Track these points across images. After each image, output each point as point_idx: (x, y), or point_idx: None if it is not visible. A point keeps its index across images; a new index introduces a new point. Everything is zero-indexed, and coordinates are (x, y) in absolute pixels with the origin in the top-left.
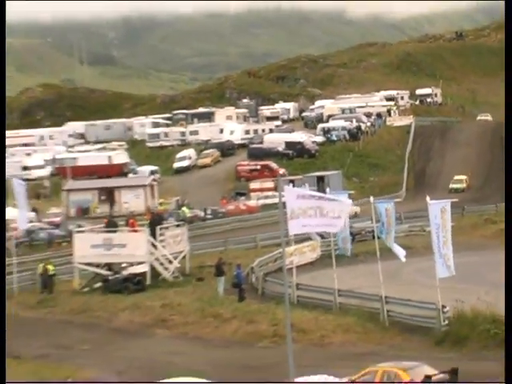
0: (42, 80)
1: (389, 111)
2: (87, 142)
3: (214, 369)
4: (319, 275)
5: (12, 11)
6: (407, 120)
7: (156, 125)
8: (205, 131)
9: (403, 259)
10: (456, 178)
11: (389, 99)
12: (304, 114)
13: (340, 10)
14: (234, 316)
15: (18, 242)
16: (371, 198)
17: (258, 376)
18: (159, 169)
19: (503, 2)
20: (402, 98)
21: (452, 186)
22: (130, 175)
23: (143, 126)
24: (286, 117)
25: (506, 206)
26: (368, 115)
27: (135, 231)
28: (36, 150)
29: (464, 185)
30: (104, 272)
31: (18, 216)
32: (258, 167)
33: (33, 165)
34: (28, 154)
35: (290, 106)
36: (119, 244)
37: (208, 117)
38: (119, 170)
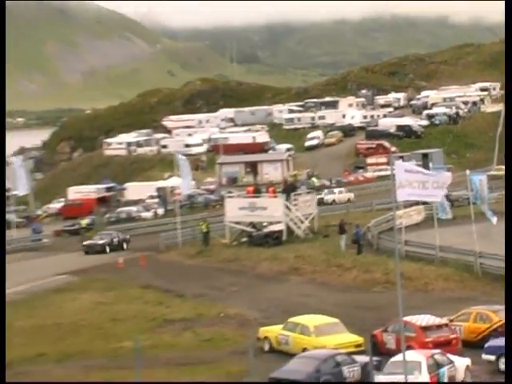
0: (200, 75)
1: (482, 100)
2: (236, 125)
3: (337, 308)
4: (423, 234)
5: (177, 19)
6: (498, 107)
7: (291, 111)
8: (330, 116)
9: (494, 222)
10: None
11: (483, 90)
12: (412, 103)
13: (444, 16)
14: (353, 266)
15: (181, 205)
16: (467, 171)
17: (372, 314)
18: (293, 147)
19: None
20: (494, 88)
21: None
22: (270, 151)
23: (281, 112)
24: (396, 104)
25: (505, 205)
26: (465, 103)
27: (274, 197)
28: (196, 131)
29: None
30: (249, 229)
31: (182, 184)
32: (374, 146)
33: (193, 143)
34: (189, 135)
35: (401, 96)
36: (261, 207)
37: (333, 105)
38: (261, 148)
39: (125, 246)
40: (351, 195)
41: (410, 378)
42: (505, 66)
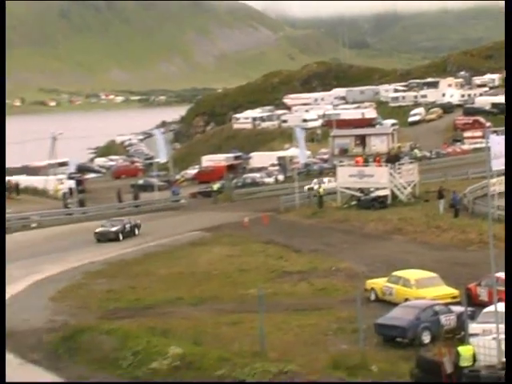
0: (316, 59)
1: None
2: (347, 103)
3: (435, 264)
4: None
5: (297, 10)
6: None
7: (396, 90)
8: (431, 95)
9: None
10: None
11: None
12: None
13: None
14: (450, 227)
15: (298, 172)
16: None
17: (467, 270)
18: (398, 122)
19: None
20: None
21: None
22: (377, 126)
23: (387, 91)
24: (492, 85)
25: (506, 204)
26: None
27: (380, 166)
28: (312, 108)
29: None
30: (358, 194)
31: (299, 154)
32: (471, 121)
33: (309, 118)
34: (306, 111)
35: (495, 76)
36: (369, 175)
37: (434, 85)
38: (369, 123)
39: (136, 231)
40: None
41: (501, 327)
42: (505, 65)
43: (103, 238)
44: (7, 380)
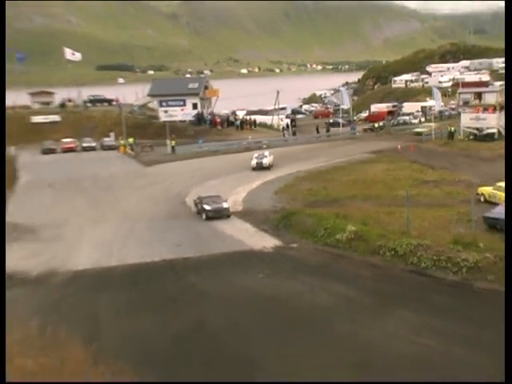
0: (450, 41)
1: None
2: (470, 70)
3: None
4: None
5: (438, 7)
6: None
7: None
8: None
9: None
10: None
11: None
12: None
13: None
14: None
15: (434, 116)
16: None
17: None
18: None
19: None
20: None
21: None
22: (490, 86)
23: (498, 62)
24: None
25: (506, 204)
26: None
27: (491, 112)
28: (445, 73)
29: None
30: (475, 131)
31: (435, 104)
32: None
33: (443, 81)
34: (441, 76)
35: None
36: (482, 118)
37: None
38: (485, 84)
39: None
40: None
41: None
42: (505, 64)
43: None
44: None
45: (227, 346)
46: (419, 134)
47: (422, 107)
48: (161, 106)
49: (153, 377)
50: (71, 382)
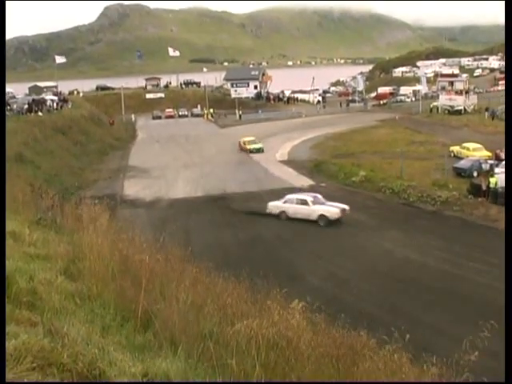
0: (434, 45)
1: None
2: (445, 66)
3: (482, 140)
4: None
5: None
6: None
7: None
8: (490, 63)
9: None
10: None
11: None
12: None
13: None
14: (490, 124)
15: (422, 97)
16: None
17: (497, 145)
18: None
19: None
20: None
21: None
22: (458, 77)
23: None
24: None
25: (506, 204)
26: None
27: (459, 95)
28: (429, 67)
29: None
30: (449, 108)
31: (422, 89)
32: (503, 76)
33: (428, 72)
34: (426, 69)
35: None
36: (454, 99)
37: (486, 58)
38: (455, 75)
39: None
40: None
41: None
42: (505, 63)
43: None
44: None
45: (276, 250)
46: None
47: (413, 90)
48: (232, 86)
49: (228, 273)
50: (77, 382)
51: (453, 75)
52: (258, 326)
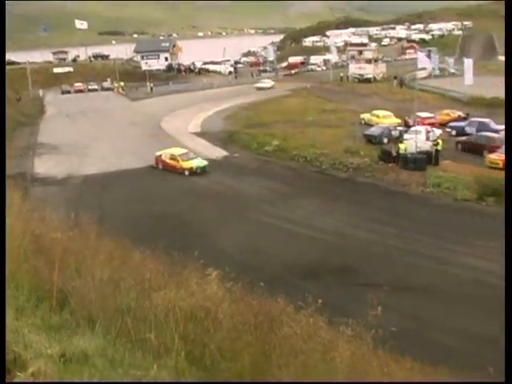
0: (344, 15)
1: None
2: (355, 35)
3: (391, 108)
4: None
5: None
6: None
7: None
8: (397, 32)
9: None
10: None
11: None
12: None
13: None
14: (398, 92)
15: (332, 66)
16: None
17: (405, 112)
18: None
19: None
20: None
21: None
22: (367, 46)
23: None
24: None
25: (506, 205)
26: None
27: (368, 63)
28: (339, 37)
29: None
30: (358, 76)
31: (333, 58)
32: (409, 45)
33: (338, 41)
34: (336, 38)
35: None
36: (363, 67)
37: (393, 28)
38: (364, 45)
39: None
40: None
41: (417, 137)
42: (505, 62)
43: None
44: None
45: (189, 222)
46: (341, 77)
47: (324, 60)
48: (142, 59)
49: (143, 247)
50: (75, 382)
51: (362, 44)
52: (176, 298)
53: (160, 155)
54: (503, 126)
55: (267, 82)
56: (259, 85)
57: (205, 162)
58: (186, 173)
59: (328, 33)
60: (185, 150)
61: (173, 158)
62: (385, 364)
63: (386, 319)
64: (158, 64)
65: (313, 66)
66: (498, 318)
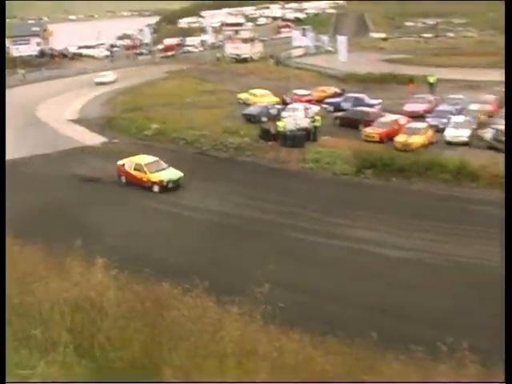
0: None
1: None
2: (231, 15)
3: (269, 86)
4: None
5: None
6: None
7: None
8: (273, 11)
9: None
10: None
11: None
12: None
13: None
14: (275, 70)
15: (209, 47)
16: None
17: (283, 90)
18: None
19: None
20: None
21: None
22: (244, 26)
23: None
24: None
25: (506, 205)
26: None
27: (244, 43)
28: (214, 17)
29: None
30: (235, 56)
31: (209, 39)
32: (285, 24)
33: (213, 22)
34: (212, 19)
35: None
36: (240, 48)
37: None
38: (240, 24)
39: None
40: None
41: (295, 114)
42: (505, 62)
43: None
44: None
45: (72, 211)
46: (218, 57)
47: (201, 41)
48: (13, 45)
49: (26, 238)
50: (84, 382)
51: (238, 24)
52: (60, 290)
53: (123, 165)
54: (377, 101)
55: (107, 76)
56: (98, 79)
57: (179, 174)
58: (156, 188)
59: (203, 13)
60: (154, 158)
61: (138, 168)
62: (276, 339)
63: (274, 295)
64: (30, 49)
65: (189, 48)
66: (382, 282)
